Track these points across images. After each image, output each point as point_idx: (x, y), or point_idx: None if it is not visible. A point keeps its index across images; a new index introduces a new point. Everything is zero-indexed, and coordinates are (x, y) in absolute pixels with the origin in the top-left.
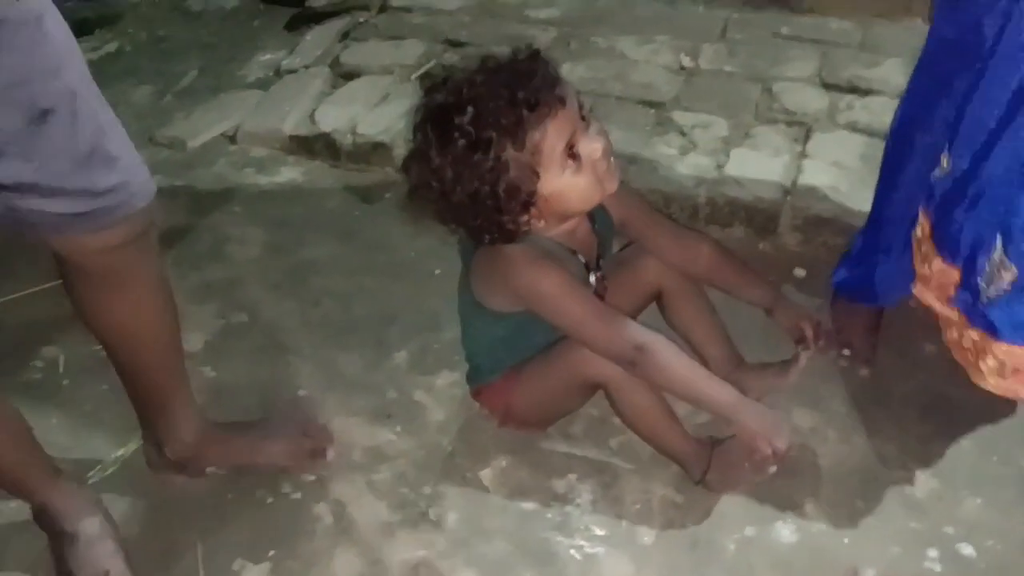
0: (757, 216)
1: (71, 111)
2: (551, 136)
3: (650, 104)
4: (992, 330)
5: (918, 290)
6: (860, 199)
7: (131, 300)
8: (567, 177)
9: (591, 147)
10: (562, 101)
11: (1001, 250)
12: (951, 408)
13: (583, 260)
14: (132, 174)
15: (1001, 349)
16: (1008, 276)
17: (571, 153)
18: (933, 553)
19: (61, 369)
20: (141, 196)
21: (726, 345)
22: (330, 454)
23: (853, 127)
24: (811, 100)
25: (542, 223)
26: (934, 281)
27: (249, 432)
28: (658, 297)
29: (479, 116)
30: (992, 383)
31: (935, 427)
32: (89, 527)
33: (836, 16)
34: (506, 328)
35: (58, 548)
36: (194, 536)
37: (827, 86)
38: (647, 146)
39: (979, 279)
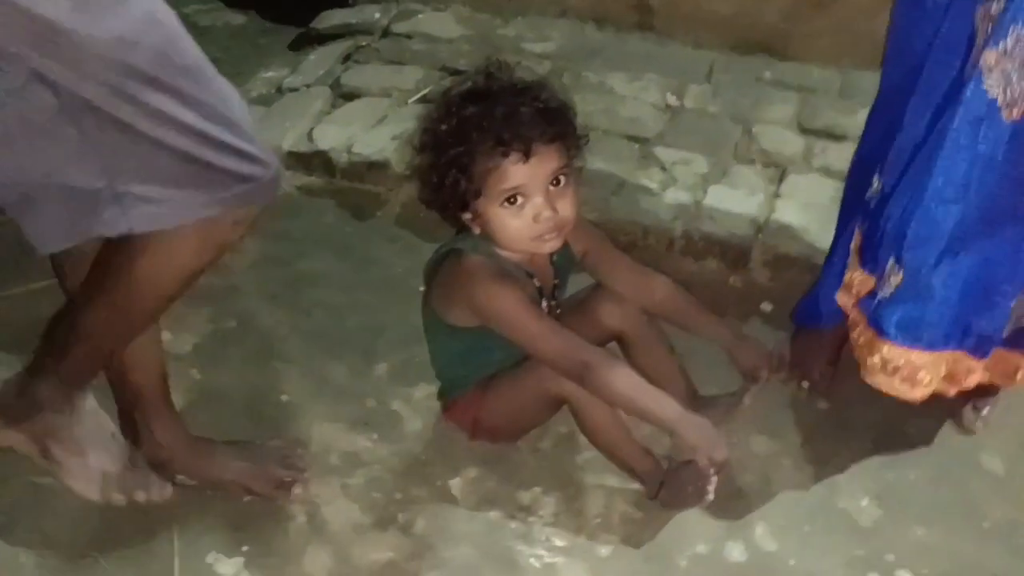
0: (729, 251)
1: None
2: (501, 174)
3: (635, 139)
4: (879, 328)
5: (840, 296)
6: (828, 240)
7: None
8: (501, 213)
9: (535, 209)
10: (527, 155)
11: (895, 255)
12: (905, 440)
13: (538, 284)
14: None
15: (884, 347)
16: (895, 280)
17: (512, 198)
18: None
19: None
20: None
21: (682, 384)
22: (296, 491)
23: (827, 171)
24: (788, 143)
25: (477, 231)
26: (853, 288)
27: (225, 451)
28: (618, 340)
29: (475, 116)
30: (879, 380)
31: (888, 458)
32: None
33: (818, 64)
34: (464, 343)
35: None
36: (171, 528)
37: (804, 130)
38: (630, 179)
39: (881, 284)
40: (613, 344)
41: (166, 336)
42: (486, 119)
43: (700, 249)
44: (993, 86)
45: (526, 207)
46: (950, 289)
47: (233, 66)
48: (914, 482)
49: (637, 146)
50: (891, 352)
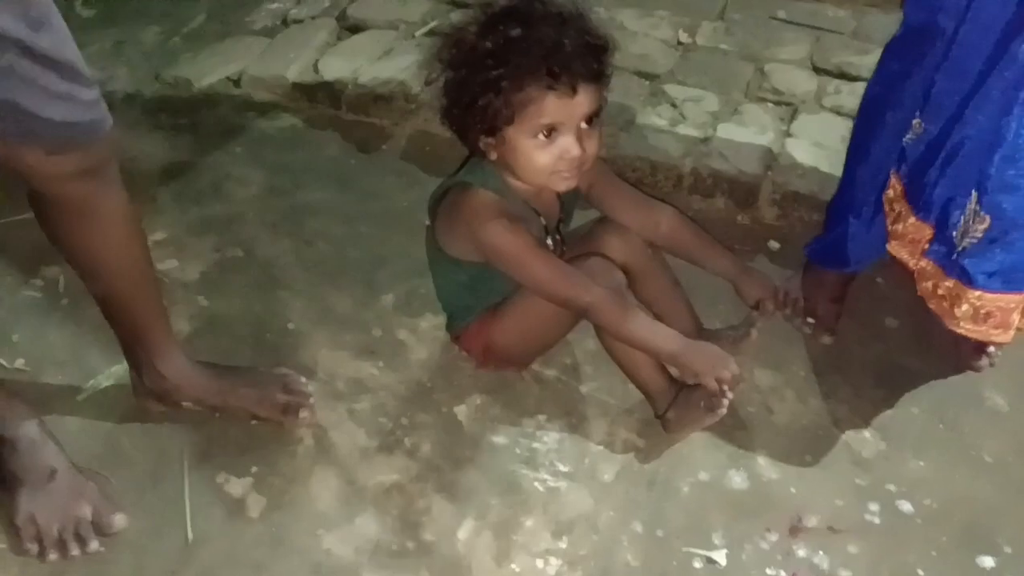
0: (738, 189)
1: (57, 19)
2: (542, 107)
3: (645, 75)
4: (967, 278)
5: (892, 247)
6: (837, 179)
7: (98, 229)
8: (529, 144)
9: (564, 146)
10: (574, 91)
11: (976, 203)
12: (905, 377)
13: (544, 223)
14: (100, 98)
15: (974, 295)
16: (981, 226)
17: (546, 132)
18: (874, 507)
19: (61, 289)
20: (107, 120)
21: (687, 317)
22: (303, 414)
23: (838, 111)
24: (800, 82)
25: (494, 156)
26: (908, 237)
27: (229, 376)
28: (624, 272)
29: (519, 39)
30: (967, 328)
31: (888, 393)
32: (30, 430)
33: (832, 3)
34: (468, 273)
35: None
36: (181, 450)
37: (817, 70)
38: (639, 115)
39: (953, 232)
40: None
41: (172, 264)
42: (534, 45)
43: (708, 186)
44: None
45: (556, 142)
46: None
47: (239, 4)
48: (916, 416)
49: (647, 83)
50: (980, 300)
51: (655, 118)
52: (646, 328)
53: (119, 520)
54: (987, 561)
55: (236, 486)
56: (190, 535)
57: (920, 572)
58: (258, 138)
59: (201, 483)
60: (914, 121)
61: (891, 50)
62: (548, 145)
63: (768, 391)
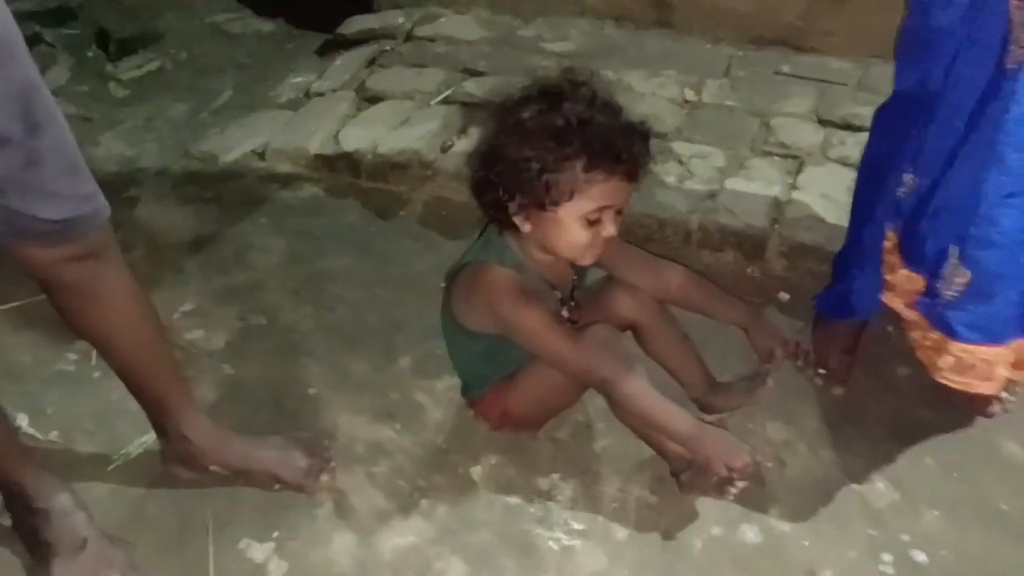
0: (746, 242)
1: (58, 117)
2: (601, 194)
3: (653, 134)
4: (949, 331)
5: (886, 297)
6: (844, 230)
7: (101, 308)
8: (574, 225)
9: (607, 230)
10: (633, 180)
11: (957, 257)
12: (918, 428)
13: (559, 295)
14: (97, 190)
15: (957, 347)
16: (962, 280)
17: (594, 217)
18: (888, 558)
19: (92, 362)
20: (105, 209)
21: (699, 370)
22: (324, 478)
23: (844, 162)
24: (806, 135)
25: (528, 229)
26: (900, 288)
27: (252, 440)
28: (633, 330)
29: (589, 122)
30: (950, 379)
31: (901, 445)
32: (63, 501)
33: (836, 56)
34: (484, 345)
35: (30, 526)
36: (205, 516)
37: (822, 122)
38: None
39: (938, 284)
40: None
41: (199, 334)
42: (605, 131)
43: (717, 241)
44: None
45: (599, 224)
46: (1015, 283)
47: (261, 72)
48: (930, 467)
49: (655, 141)
50: (963, 351)
51: (663, 175)
52: (659, 407)
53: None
54: None
55: (258, 551)
56: None
57: None
58: (281, 208)
59: (225, 548)
60: (907, 176)
61: (885, 113)
62: (591, 226)
63: (780, 444)
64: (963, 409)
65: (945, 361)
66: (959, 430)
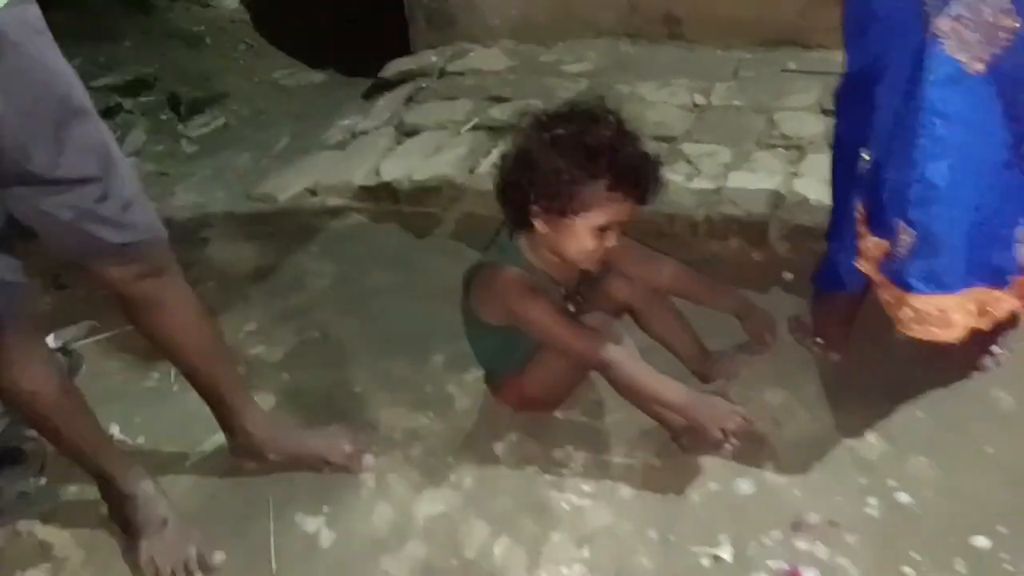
0: (748, 229)
1: (123, 163)
2: (616, 211)
3: (663, 139)
4: (906, 286)
5: (859, 264)
6: None
7: (166, 317)
8: (586, 234)
9: (610, 241)
10: (642, 204)
11: (903, 218)
12: (913, 386)
13: (563, 291)
14: (156, 220)
15: (914, 299)
16: (909, 239)
17: (601, 231)
18: (873, 501)
19: (172, 380)
20: (162, 233)
21: (693, 344)
22: (367, 460)
23: None
24: (808, 125)
25: (544, 231)
26: (869, 254)
27: (304, 430)
28: (631, 313)
29: (620, 148)
30: (913, 329)
31: (895, 402)
32: (147, 488)
33: (841, 48)
34: (500, 336)
35: (122, 511)
36: (267, 499)
37: (826, 112)
38: None
39: (895, 245)
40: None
41: (261, 349)
42: (630, 158)
43: (722, 230)
44: (953, 48)
45: (605, 235)
46: (957, 235)
47: (314, 118)
48: (921, 420)
49: (666, 145)
50: (919, 302)
51: (672, 175)
52: (652, 381)
53: (218, 557)
54: (981, 541)
55: (311, 524)
56: (274, 566)
57: (914, 555)
58: (331, 236)
59: (283, 524)
60: (864, 152)
61: (842, 95)
62: (597, 236)
63: (778, 407)
64: (957, 366)
65: (905, 313)
66: (952, 384)
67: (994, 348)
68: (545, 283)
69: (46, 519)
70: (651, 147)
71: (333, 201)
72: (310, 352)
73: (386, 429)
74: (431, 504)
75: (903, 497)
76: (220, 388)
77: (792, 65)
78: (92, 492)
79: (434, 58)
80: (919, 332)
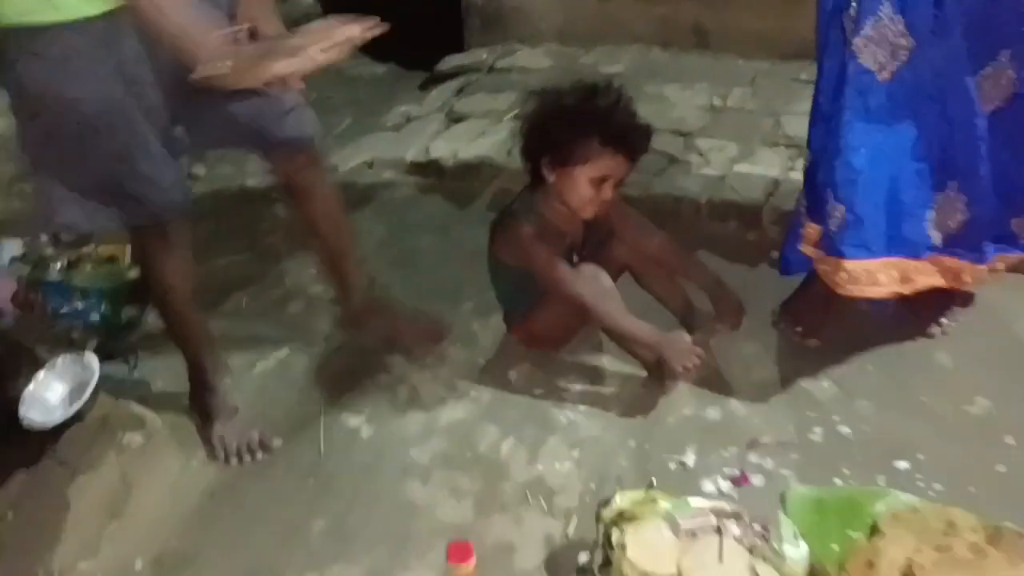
0: (745, 213)
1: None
2: (607, 164)
3: (681, 133)
4: (840, 253)
5: (804, 248)
6: None
7: (318, 203)
8: (584, 183)
9: (605, 190)
10: (632, 161)
11: (833, 196)
12: (869, 346)
13: (568, 242)
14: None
15: (847, 264)
16: (839, 214)
17: (598, 182)
18: (818, 430)
19: (244, 306)
20: (312, 128)
21: (680, 298)
22: (441, 341)
23: None
24: None
25: (552, 179)
26: (809, 237)
27: (397, 316)
28: (629, 270)
29: (615, 113)
30: (849, 289)
31: (851, 359)
32: (226, 382)
33: None
34: (515, 276)
35: (202, 398)
36: (319, 397)
37: None
38: (671, 163)
39: (829, 222)
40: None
41: (320, 288)
42: (621, 121)
43: (721, 213)
44: (867, 60)
45: (601, 187)
46: (875, 212)
47: (374, 105)
48: (871, 372)
49: (682, 139)
50: (851, 266)
51: (684, 164)
52: (628, 322)
53: (276, 441)
54: (902, 464)
55: (354, 419)
56: (322, 450)
57: (844, 470)
58: (384, 203)
59: (330, 420)
60: (807, 151)
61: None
62: (595, 187)
63: (750, 355)
64: (908, 333)
65: (841, 277)
66: (902, 346)
67: (942, 320)
68: (553, 232)
69: (140, 401)
70: (668, 139)
71: (387, 174)
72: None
73: (420, 355)
74: (453, 411)
75: (844, 429)
76: (341, 269)
77: (804, 76)
78: (174, 386)
79: (484, 55)
80: (854, 291)
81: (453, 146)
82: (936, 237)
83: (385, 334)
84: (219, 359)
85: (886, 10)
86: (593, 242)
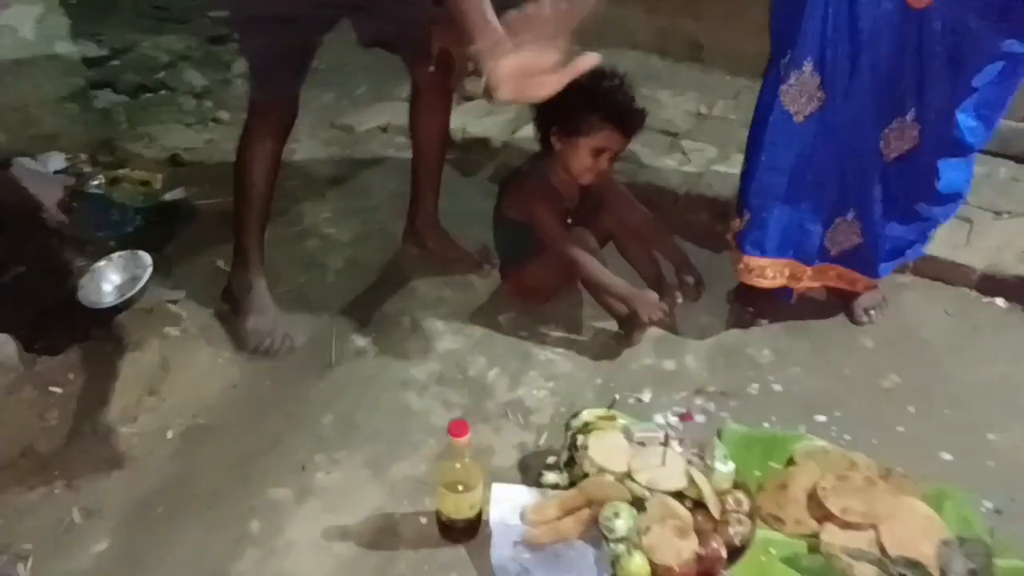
0: (715, 206)
1: None
2: (604, 137)
3: (668, 134)
4: (743, 249)
5: (728, 235)
6: None
7: (432, 112)
8: (585, 153)
9: (602, 161)
10: (628, 138)
11: (743, 203)
12: (807, 327)
13: (566, 205)
14: None
15: (746, 259)
16: (746, 218)
17: (597, 152)
18: (755, 386)
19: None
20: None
21: (652, 266)
22: (485, 267)
23: None
24: None
25: (558, 147)
26: (731, 232)
27: (452, 241)
28: (612, 238)
29: (614, 93)
30: (746, 278)
31: (790, 334)
32: (263, 282)
33: None
34: (515, 227)
35: (237, 291)
36: (331, 322)
37: None
38: (656, 160)
39: (740, 222)
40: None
41: (333, 230)
42: (620, 101)
43: (695, 205)
44: (789, 104)
45: (599, 158)
46: (776, 222)
47: (390, 75)
48: (805, 346)
49: (668, 139)
50: (748, 260)
51: (669, 161)
52: (605, 276)
53: (299, 340)
54: (821, 417)
55: (361, 341)
56: (333, 359)
57: (772, 417)
58: (395, 164)
59: (340, 339)
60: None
61: None
62: (594, 157)
63: (705, 324)
64: (843, 319)
65: (741, 269)
66: (835, 330)
67: (871, 312)
68: (554, 194)
69: (176, 303)
70: (657, 138)
71: (399, 139)
72: (371, 238)
73: (421, 297)
74: (448, 342)
75: (776, 387)
76: (428, 181)
77: None
78: (199, 299)
79: None
80: (750, 280)
81: (463, 121)
82: (834, 250)
83: (438, 251)
84: (263, 258)
85: (808, 66)
86: (586, 209)
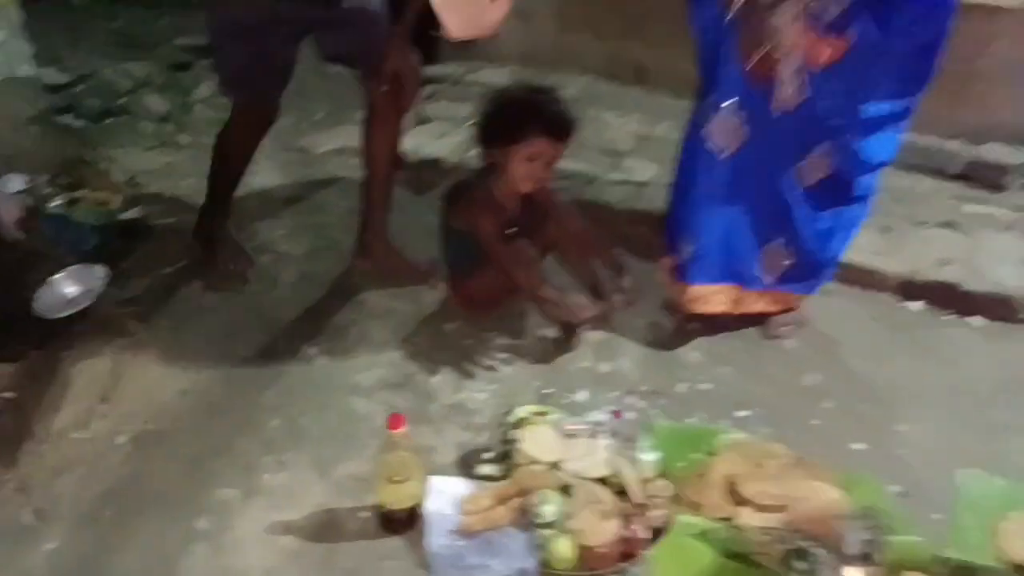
0: (653, 221)
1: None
2: (538, 145)
3: (610, 153)
4: (686, 279)
5: (663, 274)
6: None
7: (379, 133)
8: (522, 161)
9: (538, 169)
10: (561, 144)
11: (686, 236)
12: (734, 337)
13: (508, 216)
14: None
15: (688, 287)
16: (689, 249)
17: (530, 159)
18: (684, 386)
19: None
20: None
21: (590, 274)
22: (431, 280)
23: None
24: None
25: (497, 157)
26: (665, 267)
27: (402, 259)
28: (555, 247)
29: (545, 104)
30: (692, 306)
31: (720, 343)
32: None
33: None
34: (459, 237)
35: (210, 235)
36: (280, 332)
37: None
38: (599, 176)
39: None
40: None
41: (288, 246)
42: (555, 112)
43: (636, 219)
44: (714, 141)
45: (534, 165)
46: (715, 250)
47: (349, 100)
48: (731, 349)
49: (609, 159)
50: (692, 289)
51: (610, 177)
52: (536, 284)
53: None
54: (742, 412)
55: (311, 349)
56: (281, 369)
57: (700, 414)
58: (349, 184)
59: (290, 346)
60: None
61: None
62: (530, 165)
63: (640, 329)
64: (764, 335)
65: (685, 297)
66: (758, 340)
67: (784, 329)
68: (496, 204)
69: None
70: (600, 158)
71: (354, 161)
72: (323, 253)
73: (372, 307)
74: (394, 350)
75: (703, 386)
76: (377, 196)
77: None
78: (154, 311)
79: (452, 69)
80: (697, 309)
81: (417, 143)
82: (767, 277)
83: (386, 265)
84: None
85: (732, 107)
86: (529, 220)
